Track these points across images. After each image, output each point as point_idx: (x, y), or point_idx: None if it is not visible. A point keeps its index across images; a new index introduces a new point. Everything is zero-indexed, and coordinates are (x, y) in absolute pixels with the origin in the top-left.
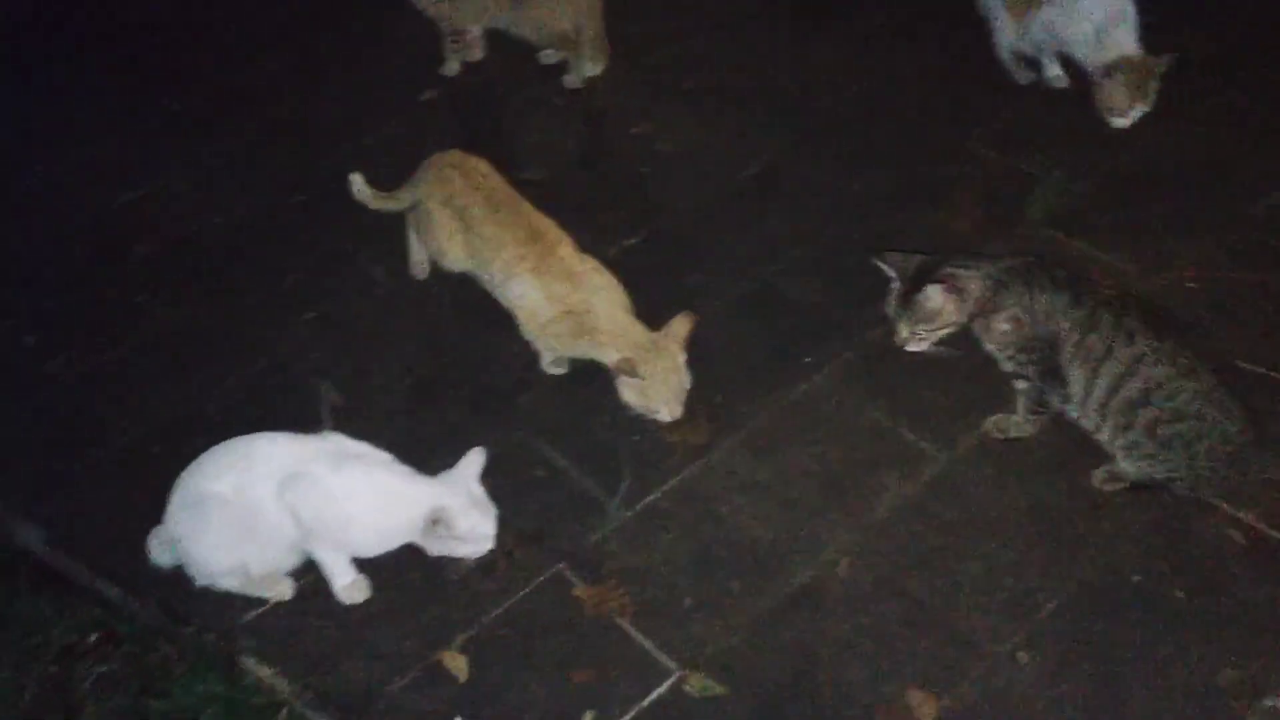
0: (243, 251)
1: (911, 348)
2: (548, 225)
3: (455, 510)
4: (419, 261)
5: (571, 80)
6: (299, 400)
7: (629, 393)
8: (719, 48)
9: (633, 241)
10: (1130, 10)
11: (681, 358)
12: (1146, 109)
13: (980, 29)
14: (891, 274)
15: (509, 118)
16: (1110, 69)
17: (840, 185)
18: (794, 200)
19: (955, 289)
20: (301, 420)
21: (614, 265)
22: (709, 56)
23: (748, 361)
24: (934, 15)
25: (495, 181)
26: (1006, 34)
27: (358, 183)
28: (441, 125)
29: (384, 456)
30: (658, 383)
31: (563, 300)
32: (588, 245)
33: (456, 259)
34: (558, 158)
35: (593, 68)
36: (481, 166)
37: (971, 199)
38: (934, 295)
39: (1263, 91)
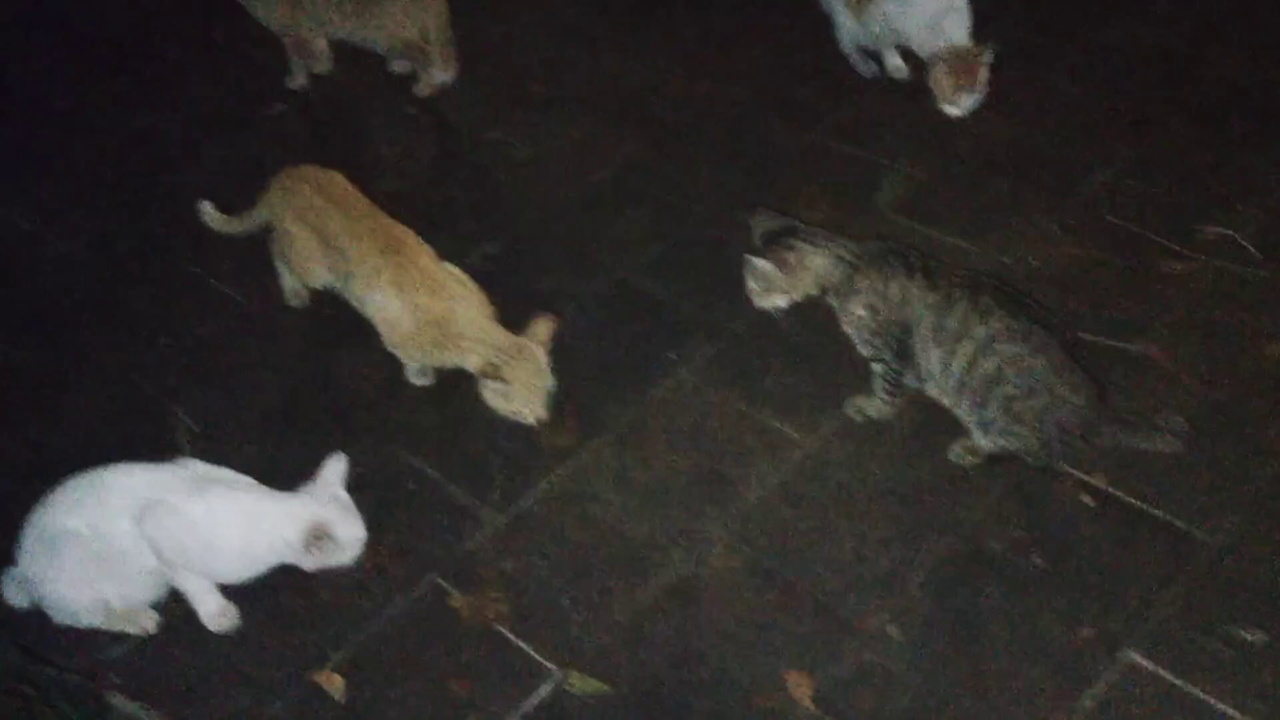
0: (86, 282)
1: (756, 303)
2: (407, 235)
3: (333, 520)
4: (293, 290)
5: (422, 89)
6: (153, 429)
7: (493, 397)
8: (566, 52)
9: (492, 248)
10: (961, 2)
11: (544, 360)
12: (977, 97)
13: (823, 24)
14: (754, 230)
15: (361, 129)
16: (935, 58)
17: (693, 183)
18: (648, 200)
19: (782, 263)
20: (157, 450)
21: (474, 273)
22: (557, 61)
23: (611, 361)
24: (777, 13)
25: (349, 192)
26: (848, 28)
27: (207, 210)
28: (291, 139)
29: (244, 480)
30: (521, 386)
31: (424, 310)
32: (447, 254)
33: (319, 275)
34: (413, 167)
35: (443, 76)
36: (335, 178)
37: (821, 190)
38: (756, 264)
39: (1087, 78)
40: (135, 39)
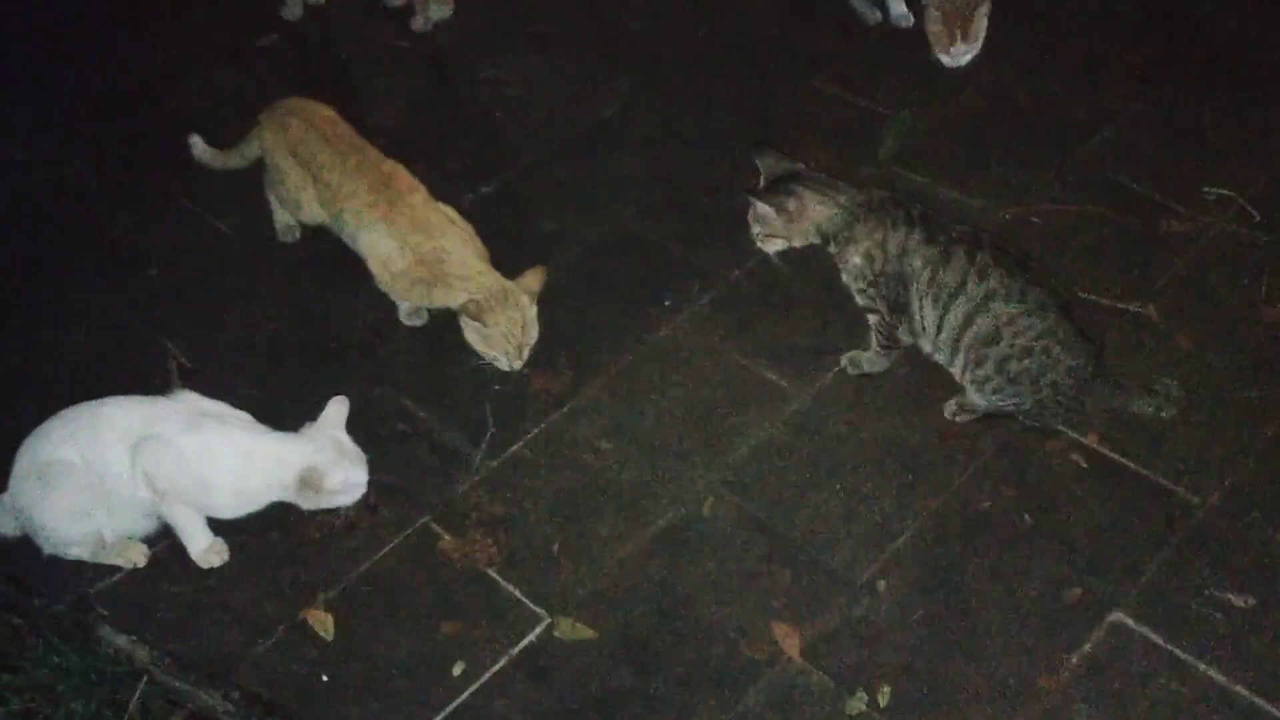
0: (74, 212)
1: (760, 246)
2: (399, 172)
3: (327, 466)
4: (285, 226)
5: (418, 24)
6: (143, 361)
7: (472, 336)
8: None
9: (486, 189)
10: None
11: (530, 310)
12: (974, 48)
13: None
14: (760, 170)
15: (354, 64)
16: (932, 6)
17: (691, 127)
18: (646, 143)
19: (782, 208)
20: (145, 382)
21: (468, 213)
22: (555, 2)
23: (607, 306)
24: None
25: (341, 128)
26: None
27: (198, 145)
28: (282, 72)
29: (242, 416)
30: (501, 330)
31: (416, 248)
32: (440, 193)
33: (312, 211)
34: (406, 104)
35: (440, 11)
36: (325, 112)
37: (822, 138)
38: (758, 207)
39: (1093, 32)
40: None
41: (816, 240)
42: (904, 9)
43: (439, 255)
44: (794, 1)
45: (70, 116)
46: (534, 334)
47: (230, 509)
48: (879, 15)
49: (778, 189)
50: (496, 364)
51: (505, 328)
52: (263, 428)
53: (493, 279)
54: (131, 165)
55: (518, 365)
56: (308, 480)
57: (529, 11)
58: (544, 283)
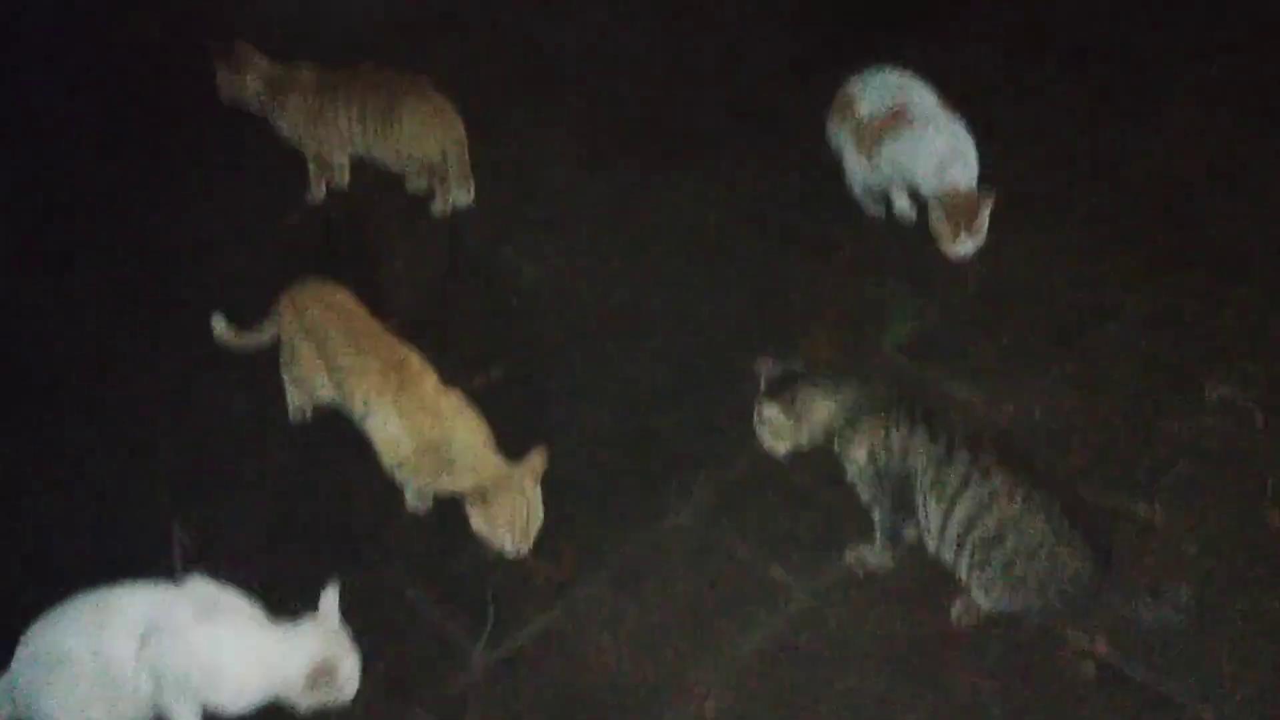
0: (93, 383)
1: (768, 448)
2: (411, 357)
3: (339, 658)
4: (298, 407)
5: (438, 208)
6: (151, 540)
7: (477, 521)
8: (582, 178)
9: (497, 372)
10: (969, 148)
11: (534, 493)
12: (978, 241)
13: (834, 163)
14: (760, 376)
15: (374, 245)
16: (937, 200)
17: (701, 314)
18: (656, 329)
19: (788, 409)
20: (153, 561)
21: (478, 396)
22: (574, 187)
23: (613, 494)
24: (789, 150)
25: (355, 310)
26: (857, 170)
27: (219, 324)
28: (304, 253)
29: (251, 605)
30: (505, 515)
31: (424, 433)
32: (452, 376)
33: (323, 392)
34: (424, 286)
35: (460, 196)
36: (341, 295)
37: (829, 326)
38: (764, 410)
39: (1095, 228)
40: (161, 140)
41: (821, 440)
42: (908, 203)
43: (446, 439)
44: (803, 193)
45: (95, 290)
46: (539, 518)
47: (232, 703)
48: (883, 209)
49: (781, 390)
50: (502, 549)
51: (510, 513)
52: (269, 620)
53: (496, 463)
54: (151, 341)
55: (524, 549)
56: (321, 673)
57: (546, 199)
58: (546, 464)
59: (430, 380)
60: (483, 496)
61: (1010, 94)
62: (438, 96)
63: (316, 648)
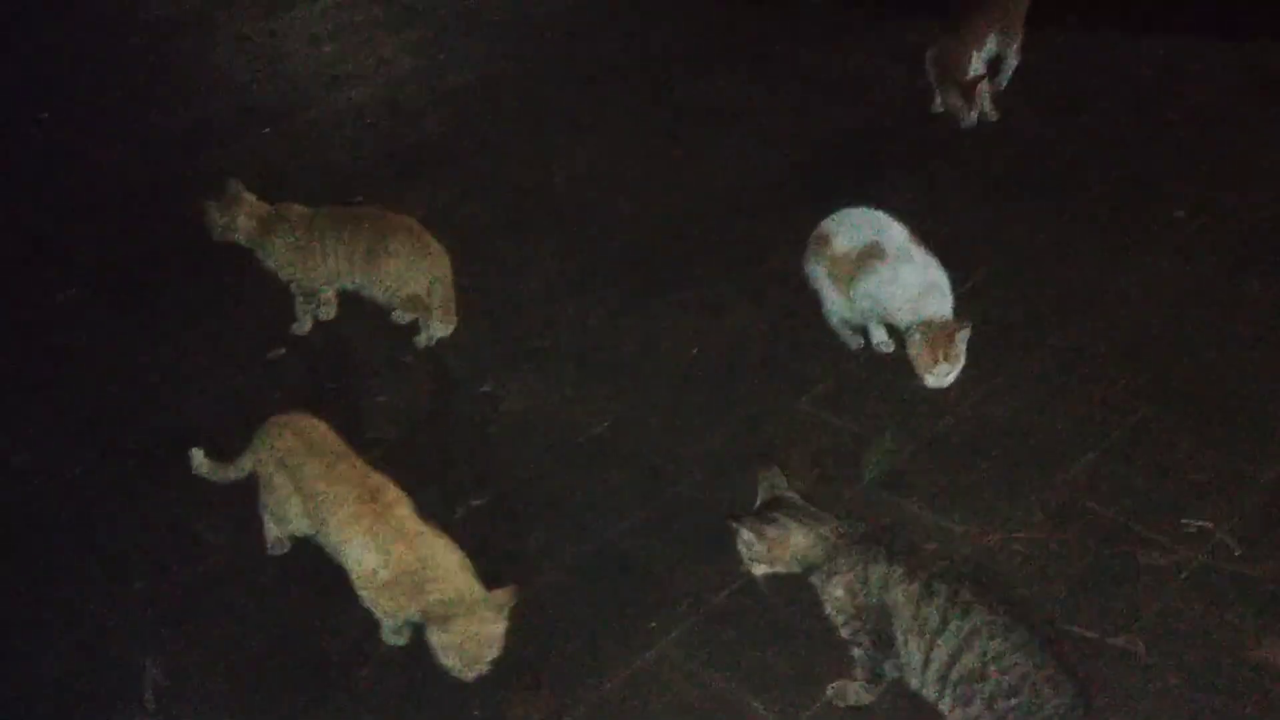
0: (69, 519)
1: (747, 568)
2: (385, 484)
3: None
4: (275, 539)
5: (422, 340)
6: (123, 677)
7: (435, 642)
8: (563, 308)
9: (478, 502)
10: (943, 280)
11: (497, 625)
12: (956, 370)
13: (812, 297)
14: (759, 489)
15: (359, 377)
16: (913, 330)
17: (681, 445)
18: (637, 460)
19: (762, 535)
20: (124, 699)
21: (459, 526)
22: (555, 318)
23: (592, 627)
24: (768, 283)
25: (331, 441)
26: (835, 303)
27: (197, 458)
28: (289, 384)
29: None
30: (460, 640)
31: (400, 560)
32: (434, 506)
33: (299, 523)
34: (406, 417)
35: (443, 329)
36: (316, 425)
37: (807, 459)
38: (743, 533)
39: (1071, 362)
40: (148, 275)
41: (798, 569)
42: (884, 336)
43: (423, 565)
44: (782, 327)
45: (78, 422)
46: (495, 650)
47: None
48: (861, 341)
49: (763, 515)
50: (458, 675)
51: (465, 639)
52: None
53: (471, 589)
54: (132, 473)
55: (469, 677)
56: None
57: (528, 329)
58: (515, 600)
59: (405, 508)
60: (444, 618)
61: (984, 232)
62: (424, 233)
63: None
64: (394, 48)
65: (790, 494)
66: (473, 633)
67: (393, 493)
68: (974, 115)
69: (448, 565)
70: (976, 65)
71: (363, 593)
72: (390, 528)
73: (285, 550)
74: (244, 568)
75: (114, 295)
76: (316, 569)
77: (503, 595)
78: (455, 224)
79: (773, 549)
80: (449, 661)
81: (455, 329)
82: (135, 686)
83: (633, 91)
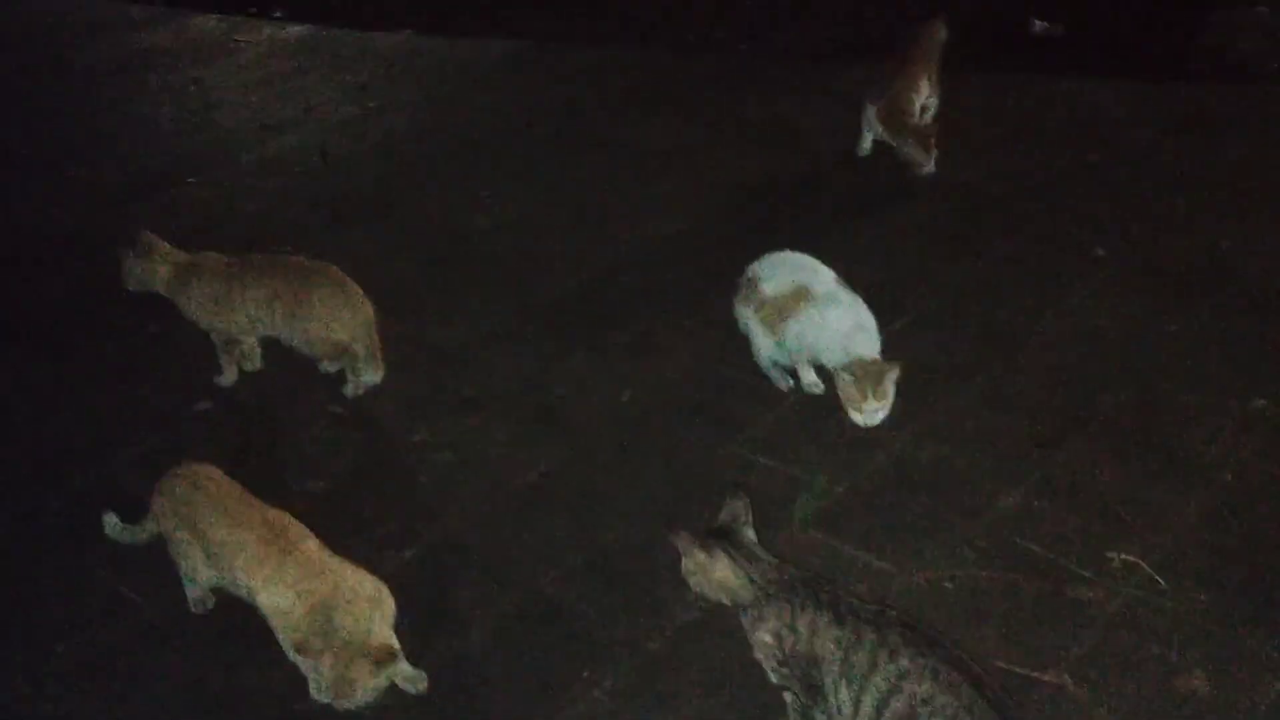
0: None
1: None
2: (289, 521)
3: None
4: (196, 597)
5: (350, 390)
6: None
7: (303, 669)
8: (496, 357)
9: (409, 553)
10: (870, 321)
11: (369, 677)
12: (884, 408)
13: (741, 338)
14: (721, 513)
15: (287, 429)
16: (843, 369)
17: (614, 491)
18: (569, 508)
19: (694, 560)
20: None
21: (389, 579)
22: (484, 365)
23: (526, 677)
24: (698, 324)
25: (227, 487)
26: (764, 345)
27: (110, 522)
28: (215, 439)
29: None
30: (331, 678)
31: (313, 593)
32: (365, 558)
33: (204, 573)
34: (336, 467)
35: (370, 377)
36: (212, 474)
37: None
38: (685, 558)
39: (997, 401)
40: (69, 329)
41: (727, 602)
42: (814, 377)
43: (334, 593)
44: (713, 370)
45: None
46: (360, 692)
47: None
48: (791, 382)
49: (703, 539)
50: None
51: (337, 674)
52: None
53: (365, 626)
54: (53, 534)
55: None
56: None
57: (460, 378)
58: (392, 662)
59: (312, 543)
60: (307, 650)
61: (911, 275)
62: (346, 281)
63: None
64: (323, 95)
65: (744, 528)
66: (343, 670)
67: (296, 529)
68: (931, 163)
69: (361, 593)
70: (924, 110)
71: (286, 640)
72: (299, 564)
73: (209, 608)
74: (169, 628)
75: (33, 350)
76: (242, 626)
77: (381, 651)
78: (386, 272)
79: (698, 575)
80: (315, 693)
81: (385, 377)
82: None
83: (565, 138)
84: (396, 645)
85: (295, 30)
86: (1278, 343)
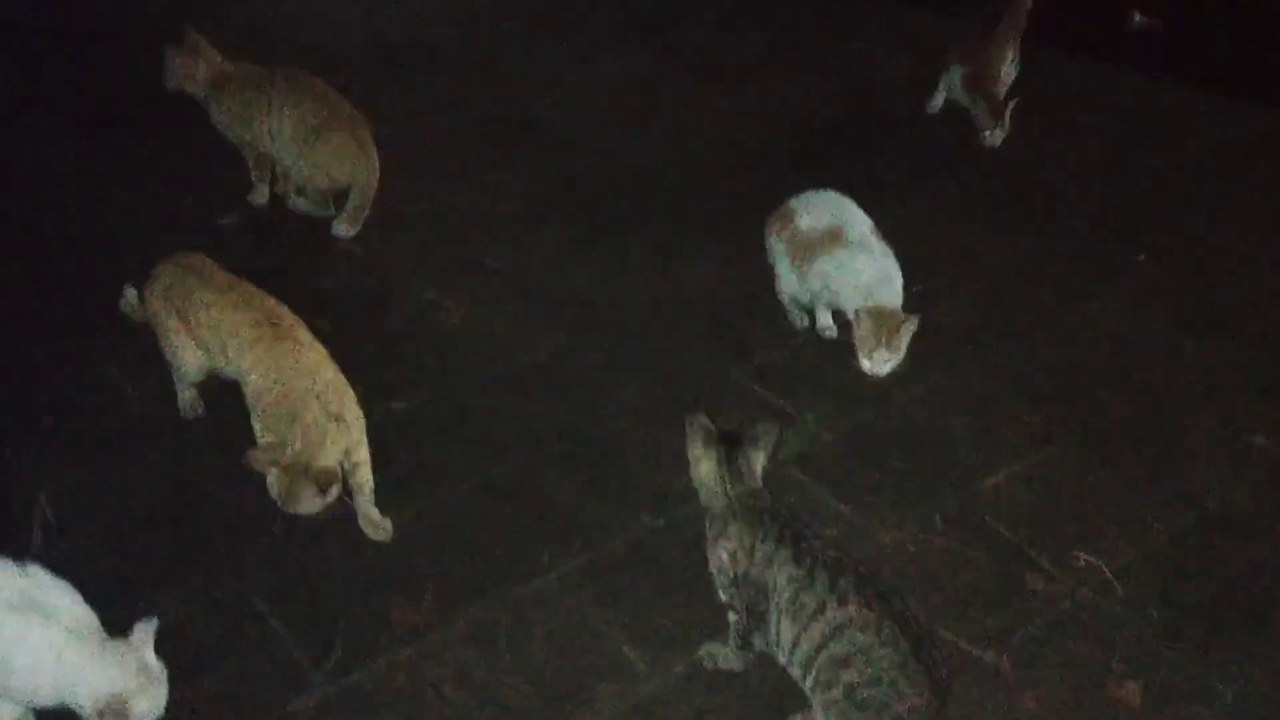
0: None
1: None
2: (283, 311)
3: (130, 693)
4: (188, 401)
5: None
6: (15, 510)
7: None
8: (524, 234)
9: (399, 405)
10: (896, 274)
11: (311, 498)
12: (895, 360)
13: (767, 267)
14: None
15: (306, 257)
16: (862, 312)
17: (610, 389)
18: (566, 394)
19: (692, 444)
20: (12, 532)
21: (379, 425)
22: (510, 241)
23: (487, 548)
24: (727, 244)
25: (219, 273)
26: (789, 281)
27: (128, 295)
28: (235, 252)
29: (77, 613)
30: (291, 491)
31: (287, 385)
32: (358, 399)
33: (195, 363)
34: (345, 309)
35: (342, 229)
36: (205, 261)
37: (729, 426)
38: (690, 420)
39: (998, 382)
40: (122, 117)
41: (703, 503)
42: (829, 321)
43: (305, 397)
44: (730, 295)
45: (7, 260)
46: (315, 504)
47: (22, 695)
48: (806, 321)
49: (710, 433)
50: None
51: (289, 490)
52: (84, 633)
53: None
54: (63, 321)
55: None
56: (112, 707)
57: (485, 248)
58: (330, 487)
59: (304, 332)
60: (265, 463)
61: (948, 240)
62: (367, 139)
63: (116, 678)
64: None
65: (755, 450)
66: (297, 488)
67: (291, 318)
68: (999, 134)
69: (330, 409)
70: (1006, 80)
71: (255, 417)
72: (290, 347)
73: (199, 413)
74: (157, 423)
75: (88, 132)
76: (232, 439)
77: (321, 475)
78: (430, 127)
79: (692, 460)
80: (273, 492)
81: (408, 233)
82: (25, 521)
83: (639, 36)
84: (338, 473)
85: None
86: None
